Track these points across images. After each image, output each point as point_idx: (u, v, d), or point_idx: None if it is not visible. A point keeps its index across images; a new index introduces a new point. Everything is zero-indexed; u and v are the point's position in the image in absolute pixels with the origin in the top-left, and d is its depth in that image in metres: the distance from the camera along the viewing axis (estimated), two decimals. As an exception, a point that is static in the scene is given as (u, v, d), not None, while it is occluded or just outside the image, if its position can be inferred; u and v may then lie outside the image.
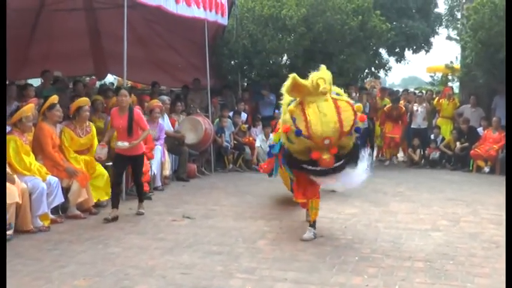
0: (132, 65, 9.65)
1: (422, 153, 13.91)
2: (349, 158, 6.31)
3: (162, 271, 5.46)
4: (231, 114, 13.17)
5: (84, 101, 8.54)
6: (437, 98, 14.90)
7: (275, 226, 7.33)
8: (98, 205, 8.31)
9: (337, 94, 6.46)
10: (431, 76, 22.65)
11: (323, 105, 6.02)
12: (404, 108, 13.96)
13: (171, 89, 14.66)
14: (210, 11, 12.05)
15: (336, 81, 14.19)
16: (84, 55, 13.96)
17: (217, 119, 12.64)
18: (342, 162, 6.18)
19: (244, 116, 13.47)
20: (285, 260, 5.84)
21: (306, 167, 6.28)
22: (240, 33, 13.70)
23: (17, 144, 7.21)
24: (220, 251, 6.15)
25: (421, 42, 17.97)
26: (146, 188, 9.11)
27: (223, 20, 13.00)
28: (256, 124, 13.47)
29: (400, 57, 18.18)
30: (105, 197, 8.40)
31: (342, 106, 6.09)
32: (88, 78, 15.94)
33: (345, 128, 5.97)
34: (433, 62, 23.40)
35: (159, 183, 10.01)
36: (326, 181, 6.49)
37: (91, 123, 8.68)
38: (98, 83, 16.59)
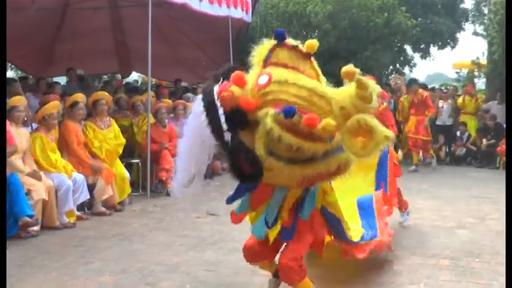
0: (157, 62, 9.71)
1: (447, 150, 13.77)
2: None
3: (186, 268, 5.48)
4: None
5: (99, 94, 8.62)
6: (461, 96, 14.63)
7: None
8: (122, 202, 8.38)
9: None
10: (457, 72, 22.44)
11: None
12: (426, 94, 12.67)
13: (192, 86, 14.72)
14: (235, 8, 12.06)
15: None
16: (108, 53, 14.09)
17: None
18: None
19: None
20: (310, 257, 5.81)
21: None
22: (264, 30, 13.69)
23: (43, 142, 7.30)
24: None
25: (447, 38, 17.81)
26: (171, 185, 9.16)
27: (248, 17, 13.01)
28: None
29: (425, 54, 18.03)
30: (123, 196, 8.44)
31: None
32: (105, 76, 16.07)
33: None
34: (458, 58, 23.16)
35: (183, 180, 10.03)
36: None
37: (111, 118, 8.73)
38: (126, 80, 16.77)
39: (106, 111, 8.56)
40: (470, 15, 18.86)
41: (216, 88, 3.72)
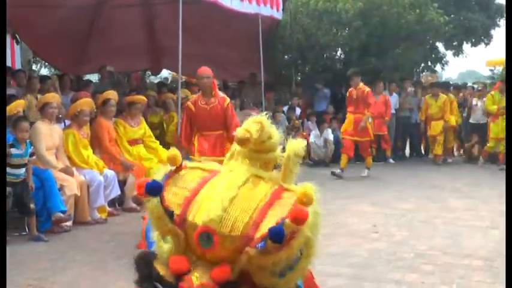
0: (187, 59, 9.73)
1: (481, 148, 13.53)
2: None
3: (216, 264, 5.48)
4: (284, 109, 13.16)
5: (138, 98, 8.70)
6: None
7: (329, 221, 7.24)
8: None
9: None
10: (490, 70, 22.03)
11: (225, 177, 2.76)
12: (367, 90, 10.92)
13: (224, 83, 14.74)
14: (265, 5, 12.04)
15: (391, 76, 14.08)
16: (139, 51, 14.16)
17: (271, 114, 12.66)
18: None
19: (298, 111, 13.43)
20: (339, 255, 5.78)
21: None
22: (294, 27, 13.65)
23: (75, 138, 7.39)
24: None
25: (481, 35, 17.52)
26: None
27: (278, 15, 12.98)
28: (311, 119, 13.40)
29: (457, 51, 17.77)
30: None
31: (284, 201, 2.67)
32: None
33: (257, 231, 2.49)
34: (493, 55, 22.75)
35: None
36: None
37: (141, 117, 8.79)
38: (152, 78, 16.86)
39: (140, 113, 8.64)
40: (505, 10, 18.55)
41: None
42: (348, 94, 11.16)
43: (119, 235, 6.62)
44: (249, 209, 2.54)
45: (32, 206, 6.33)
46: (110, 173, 7.63)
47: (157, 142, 8.72)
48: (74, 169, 7.14)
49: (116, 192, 7.71)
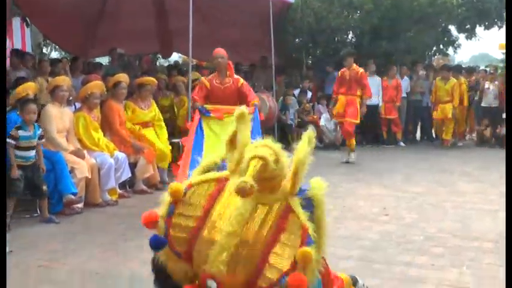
0: (198, 43, 9.71)
1: (493, 132, 13.46)
2: None
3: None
4: (295, 92, 13.13)
5: (146, 80, 8.69)
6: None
7: (339, 204, 7.26)
8: (162, 181, 8.44)
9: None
10: (503, 53, 21.79)
11: (231, 204, 2.91)
12: (361, 71, 10.70)
13: (235, 65, 14.70)
14: (277, -12, 11.98)
15: (403, 59, 14.00)
16: (150, 34, 14.15)
17: (282, 97, 12.62)
18: None
19: (309, 94, 13.40)
20: (349, 237, 5.79)
21: None
22: (305, 11, 13.56)
23: (86, 121, 7.42)
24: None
25: (494, 18, 17.27)
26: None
27: (290, -4, 12.93)
28: (321, 102, 13.36)
29: (470, 34, 17.54)
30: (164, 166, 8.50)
31: (288, 234, 2.85)
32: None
33: (261, 279, 2.79)
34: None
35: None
36: None
37: (152, 100, 8.80)
38: (162, 61, 16.86)
39: (150, 96, 8.66)
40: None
41: None
42: (339, 75, 10.91)
43: (130, 217, 6.65)
44: (254, 256, 2.80)
45: (44, 188, 6.36)
46: (121, 155, 7.66)
47: (164, 128, 8.71)
48: (84, 152, 7.17)
49: (127, 174, 7.75)
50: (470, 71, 15.61)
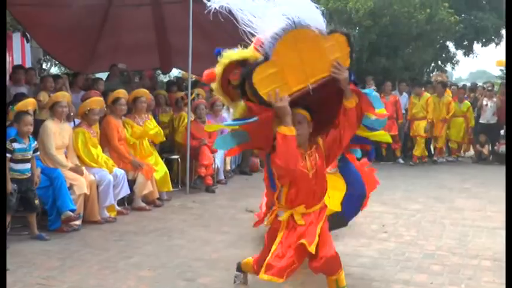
0: (197, 59, 9.75)
1: (491, 148, 13.47)
2: None
3: (226, 264, 5.50)
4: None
5: (140, 92, 8.70)
6: None
7: (338, 221, 7.25)
8: (161, 198, 8.45)
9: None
10: (501, 70, 21.91)
11: None
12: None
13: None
14: (275, 5, 12.02)
15: (401, 75, 14.03)
16: (150, 49, 14.17)
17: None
18: None
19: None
20: (348, 255, 5.78)
21: None
22: (304, 27, 13.61)
23: (85, 137, 7.42)
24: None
25: (491, 35, 17.40)
26: (210, 181, 9.24)
27: (290, 14, 12.97)
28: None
29: (468, 51, 17.68)
30: (164, 189, 8.52)
31: None
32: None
33: None
34: (503, 55, 22.60)
35: (222, 176, 10.11)
36: None
37: (150, 114, 8.82)
38: (162, 77, 16.88)
39: (145, 109, 8.68)
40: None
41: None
42: None
43: (128, 234, 6.65)
44: None
45: (36, 202, 6.35)
46: (120, 172, 7.66)
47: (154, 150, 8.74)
48: (83, 168, 7.17)
49: (126, 191, 7.74)
50: (472, 88, 15.54)
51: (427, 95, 12.90)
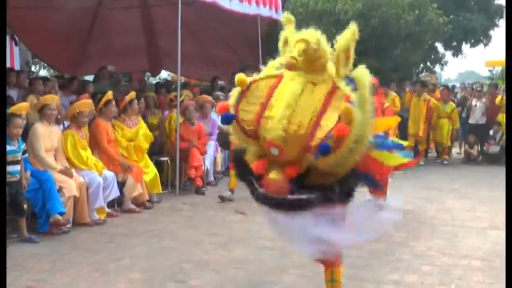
0: (186, 61, 9.76)
1: (480, 149, 13.54)
2: (329, 193, 3.57)
3: (215, 265, 5.50)
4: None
5: (133, 95, 8.67)
6: (500, 96, 14.12)
7: (328, 222, 7.26)
8: (151, 200, 8.43)
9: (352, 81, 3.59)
10: (489, 70, 22.02)
11: (286, 87, 3.62)
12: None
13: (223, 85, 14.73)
14: (264, 6, 12.03)
15: (390, 76, 14.07)
16: (139, 52, 14.17)
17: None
18: (306, 196, 3.54)
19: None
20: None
21: (252, 183, 3.79)
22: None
23: (74, 139, 7.39)
24: (273, 246, 6.14)
25: (480, 36, 17.47)
26: (200, 182, 9.22)
27: (277, 16, 12.96)
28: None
29: (457, 51, 17.74)
30: (154, 191, 8.51)
31: (335, 103, 3.50)
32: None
33: (313, 140, 3.44)
34: (492, 55, 22.71)
35: (212, 178, 10.10)
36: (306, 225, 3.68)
37: (139, 117, 8.80)
38: (151, 79, 16.86)
39: (137, 110, 8.67)
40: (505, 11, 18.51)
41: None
42: None
43: (118, 236, 6.63)
44: (307, 118, 3.44)
45: (24, 206, 6.34)
46: (109, 174, 7.63)
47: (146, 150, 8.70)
48: (73, 170, 7.14)
49: (115, 193, 7.72)
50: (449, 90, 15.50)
51: (392, 93, 12.85)
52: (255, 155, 3.76)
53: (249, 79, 3.74)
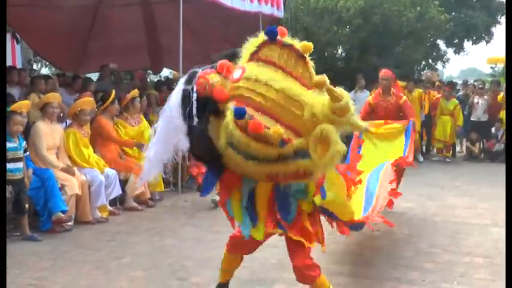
0: (188, 58, 9.73)
1: (481, 146, 13.53)
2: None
3: (217, 263, 5.46)
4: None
5: (135, 93, 8.69)
6: (502, 93, 14.10)
7: (330, 220, 7.26)
8: (153, 198, 8.44)
9: None
10: (491, 67, 21.98)
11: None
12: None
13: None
14: (266, 3, 12.01)
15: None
16: (140, 49, 14.15)
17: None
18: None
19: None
20: (341, 253, 5.79)
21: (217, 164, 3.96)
22: (294, 26, 13.63)
23: (76, 137, 7.40)
24: (276, 244, 6.09)
25: (482, 33, 17.47)
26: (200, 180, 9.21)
27: (279, 13, 12.95)
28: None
29: (458, 49, 17.75)
30: (156, 189, 8.51)
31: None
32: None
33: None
34: (494, 52, 22.73)
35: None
36: None
37: (141, 115, 8.81)
38: (152, 77, 16.85)
39: (139, 109, 8.68)
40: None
41: (199, 73, 3.68)
42: None
43: (120, 234, 6.63)
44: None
45: (26, 205, 6.35)
46: (111, 172, 7.64)
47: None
48: (75, 168, 7.15)
49: (117, 191, 7.72)
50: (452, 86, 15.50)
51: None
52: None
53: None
